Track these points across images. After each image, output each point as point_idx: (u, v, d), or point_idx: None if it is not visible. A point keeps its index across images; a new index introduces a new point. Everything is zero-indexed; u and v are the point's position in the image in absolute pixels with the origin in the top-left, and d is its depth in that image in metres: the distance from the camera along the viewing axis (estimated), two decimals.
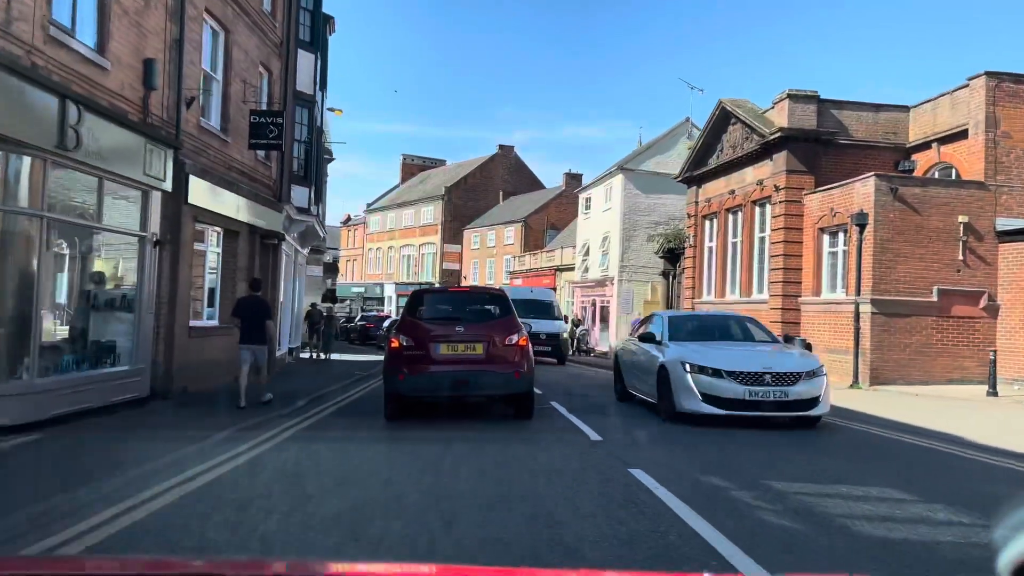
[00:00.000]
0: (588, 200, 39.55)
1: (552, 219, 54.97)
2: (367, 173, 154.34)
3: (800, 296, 20.80)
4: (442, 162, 74.10)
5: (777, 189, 21.21)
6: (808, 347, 13.86)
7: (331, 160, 33.36)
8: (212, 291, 14.90)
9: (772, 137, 21.09)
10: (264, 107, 16.49)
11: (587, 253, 39.12)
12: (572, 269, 41.58)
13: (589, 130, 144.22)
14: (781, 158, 21.26)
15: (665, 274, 31.61)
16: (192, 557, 3.88)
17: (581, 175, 54.95)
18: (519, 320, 11.03)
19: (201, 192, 13.10)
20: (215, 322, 14.72)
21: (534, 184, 64.86)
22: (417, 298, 12.21)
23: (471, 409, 12.02)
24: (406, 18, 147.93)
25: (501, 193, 62.72)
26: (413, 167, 73.96)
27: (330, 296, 46.68)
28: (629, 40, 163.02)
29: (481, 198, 62.86)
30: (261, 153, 17.23)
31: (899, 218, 18.03)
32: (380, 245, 69.04)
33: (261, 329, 11.66)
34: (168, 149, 11.75)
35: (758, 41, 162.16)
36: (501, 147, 66.24)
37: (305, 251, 26.02)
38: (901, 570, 4.54)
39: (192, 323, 13.40)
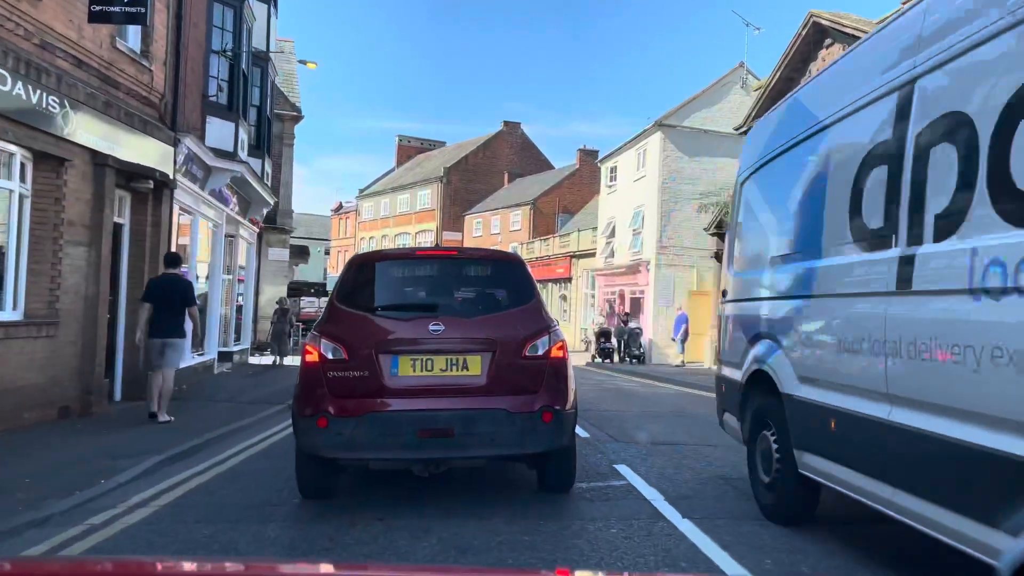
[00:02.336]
0: (613, 170, 32.87)
1: (565, 201, 48.54)
2: (370, 172, 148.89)
3: None
4: (441, 144, 67.51)
5: None
6: None
7: (299, 119, 27.02)
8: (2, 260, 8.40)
9: None
10: None
11: (612, 234, 32.47)
12: (592, 255, 35.02)
13: (597, 127, 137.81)
14: None
15: (719, 256, 25.04)
16: (190, 559, 3.09)
17: (597, 151, 48.41)
18: (547, 312, 5.96)
19: None
20: (14, 315, 8.26)
21: (543, 165, 58.28)
22: (358, 269, 6.37)
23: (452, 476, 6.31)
24: (406, 15, 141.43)
25: (506, 174, 56.23)
26: (410, 149, 67.45)
27: (321, 290, 40.11)
28: (636, 21, 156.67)
29: (484, 180, 56.37)
30: (132, 44, 10.81)
31: None
32: (373, 234, 62.54)
33: (178, 318, 9.06)
34: None
35: None
36: (506, 124, 59.66)
37: (250, 223, 19.68)
38: None
39: None
